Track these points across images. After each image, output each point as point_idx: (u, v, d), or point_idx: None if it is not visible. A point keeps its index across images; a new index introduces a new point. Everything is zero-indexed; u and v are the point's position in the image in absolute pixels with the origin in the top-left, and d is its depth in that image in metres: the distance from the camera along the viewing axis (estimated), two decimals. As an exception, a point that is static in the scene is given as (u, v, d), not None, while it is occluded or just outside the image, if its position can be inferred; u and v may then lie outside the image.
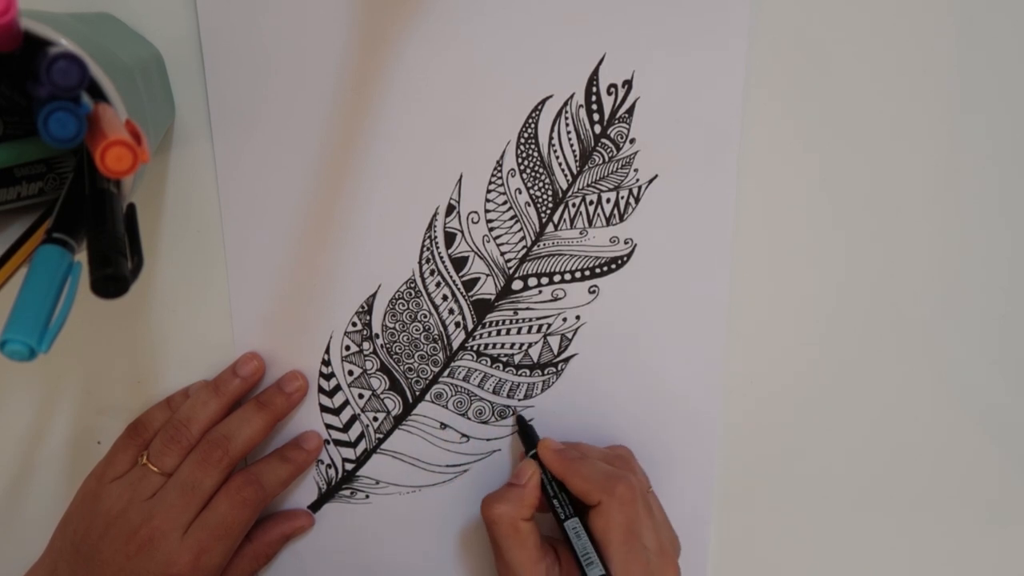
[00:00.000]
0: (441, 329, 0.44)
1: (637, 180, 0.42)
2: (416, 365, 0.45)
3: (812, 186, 0.42)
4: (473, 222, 0.42)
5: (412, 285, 0.43)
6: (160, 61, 0.39)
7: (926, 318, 0.44)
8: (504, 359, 0.44)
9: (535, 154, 0.41)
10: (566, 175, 0.42)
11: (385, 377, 0.45)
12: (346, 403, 0.45)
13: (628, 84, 0.40)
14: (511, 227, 0.42)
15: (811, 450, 0.46)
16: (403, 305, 0.44)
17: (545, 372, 0.45)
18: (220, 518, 0.40)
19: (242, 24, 0.39)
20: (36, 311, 0.23)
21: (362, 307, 0.44)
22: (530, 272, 0.43)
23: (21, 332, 0.23)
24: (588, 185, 0.42)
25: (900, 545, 0.48)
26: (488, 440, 0.46)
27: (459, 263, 0.43)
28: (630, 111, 0.41)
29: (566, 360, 0.44)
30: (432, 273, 0.43)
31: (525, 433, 0.44)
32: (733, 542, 0.48)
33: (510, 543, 0.39)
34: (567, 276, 0.43)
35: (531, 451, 0.43)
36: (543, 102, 0.40)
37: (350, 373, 0.45)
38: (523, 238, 0.43)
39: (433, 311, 0.44)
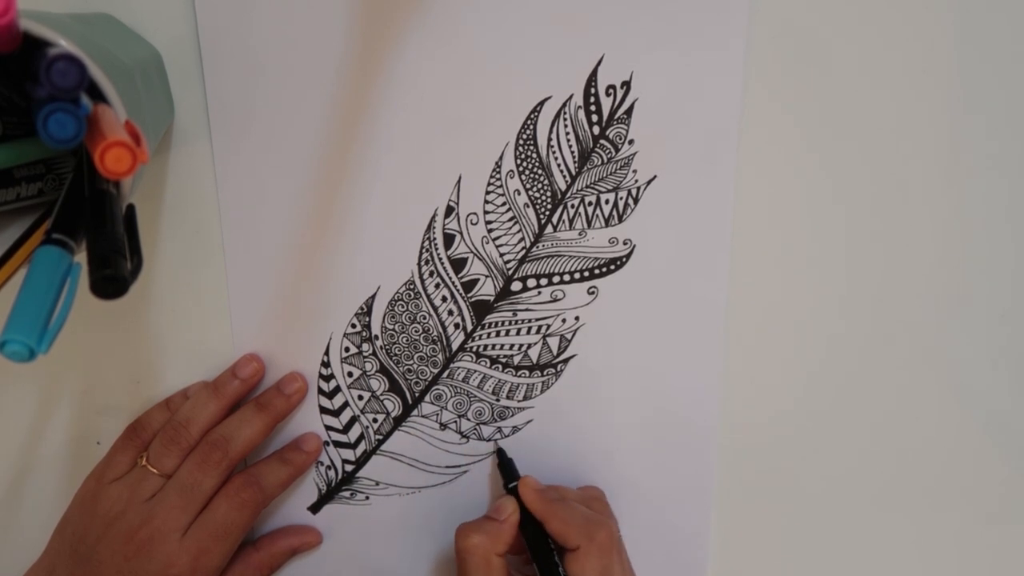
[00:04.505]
0: (440, 330, 0.44)
1: (636, 181, 0.42)
2: (415, 366, 0.45)
3: (811, 186, 0.42)
4: (472, 223, 0.42)
5: (411, 286, 0.43)
6: (159, 61, 0.39)
7: (926, 317, 0.44)
8: (503, 360, 0.44)
9: (534, 155, 0.41)
10: (565, 176, 0.42)
11: (385, 378, 0.45)
12: (346, 404, 0.45)
13: (627, 85, 0.40)
14: (510, 228, 0.42)
15: (811, 449, 0.46)
16: (402, 306, 0.44)
17: (544, 373, 0.45)
18: (220, 519, 0.40)
19: (241, 24, 0.39)
20: (35, 312, 0.23)
21: (361, 308, 0.44)
22: (529, 273, 0.43)
23: (21, 333, 0.23)
24: (587, 186, 0.42)
25: (902, 548, 0.48)
26: (488, 441, 0.46)
27: (458, 264, 0.43)
28: (628, 112, 0.41)
29: (565, 361, 0.44)
30: (431, 274, 0.43)
31: (505, 467, 0.44)
32: (733, 542, 0.48)
33: (480, 575, 0.39)
34: (566, 277, 0.43)
35: (510, 484, 0.42)
36: (542, 103, 0.40)
37: (349, 374, 0.45)
38: (522, 239, 0.43)
39: (432, 312, 0.44)
